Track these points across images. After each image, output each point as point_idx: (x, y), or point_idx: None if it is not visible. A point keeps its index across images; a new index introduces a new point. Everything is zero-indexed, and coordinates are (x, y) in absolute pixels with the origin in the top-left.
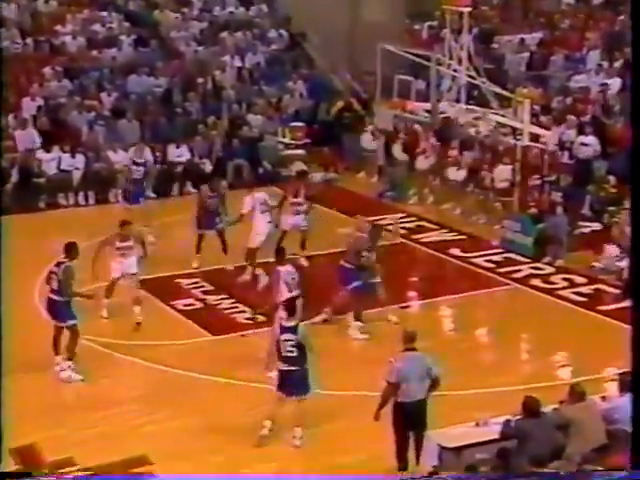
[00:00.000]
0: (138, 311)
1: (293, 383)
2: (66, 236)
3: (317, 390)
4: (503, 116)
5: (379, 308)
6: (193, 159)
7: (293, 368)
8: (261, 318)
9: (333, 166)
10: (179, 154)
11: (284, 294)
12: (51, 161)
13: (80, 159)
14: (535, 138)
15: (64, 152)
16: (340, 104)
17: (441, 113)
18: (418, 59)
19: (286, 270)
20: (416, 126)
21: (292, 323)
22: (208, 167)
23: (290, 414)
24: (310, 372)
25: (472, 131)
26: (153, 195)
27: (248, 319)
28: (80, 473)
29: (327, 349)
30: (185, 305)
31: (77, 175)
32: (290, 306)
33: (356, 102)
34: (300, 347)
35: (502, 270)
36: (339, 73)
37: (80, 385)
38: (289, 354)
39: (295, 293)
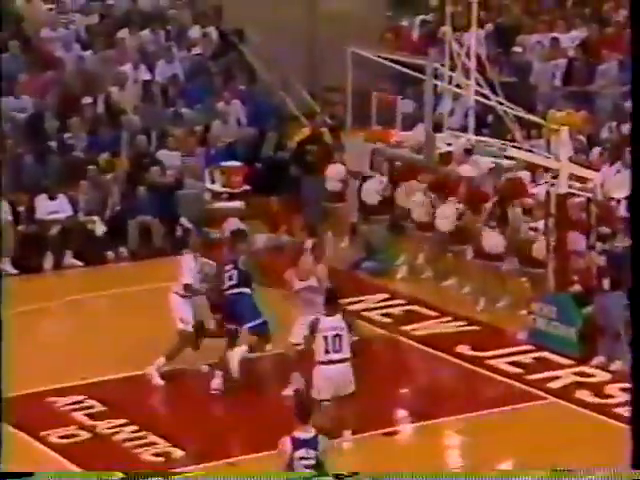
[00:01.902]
0: None
1: None
2: None
3: None
4: (530, 151)
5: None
6: (76, 216)
7: None
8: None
9: (285, 224)
10: (54, 209)
11: (319, 354)
12: None
13: None
14: (578, 182)
15: None
16: (305, 132)
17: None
18: (406, 69)
19: (331, 322)
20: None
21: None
22: (100, 228)
23: None
24: None
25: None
26: (12, 271)
27: (158, 455)
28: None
29: None
30: (62, 437)
31: None
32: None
33: (327, 131)
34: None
35: (532, 377)
36: (292, 89)
37: None
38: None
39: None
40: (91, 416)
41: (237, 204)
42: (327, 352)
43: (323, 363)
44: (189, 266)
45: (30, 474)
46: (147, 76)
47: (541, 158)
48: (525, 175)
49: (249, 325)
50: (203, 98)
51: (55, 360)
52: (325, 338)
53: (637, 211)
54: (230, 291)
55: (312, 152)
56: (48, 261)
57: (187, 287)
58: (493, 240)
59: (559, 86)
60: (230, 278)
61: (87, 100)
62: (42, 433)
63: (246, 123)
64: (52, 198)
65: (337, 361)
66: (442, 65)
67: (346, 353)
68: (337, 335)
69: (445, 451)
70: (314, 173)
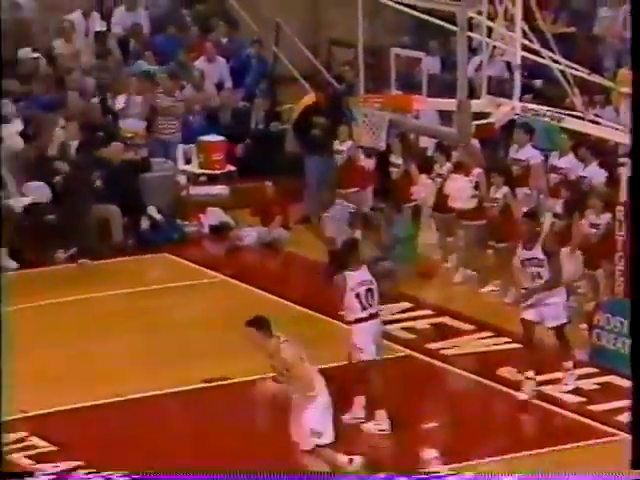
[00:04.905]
0: None
1: None
2: None
3: None
4: (594, 122)
5: None
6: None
7: None
8: None
9: (280, 215)
10: None
11: (355, 313)
12: None
13: None
14: None
15: None
16: (308, 100)
17: (477, 116)
18: (432, 18)
19: (359, 276)
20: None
21: None
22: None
23: None
24: None
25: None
26: None
27: None
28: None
29: None
30: None
31: None
32: None
33: (331, 98)
34: None
35: (597, 408)
36: (288, 44)
37: None
38: None
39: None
40: (35, 457)
41: (219, 189)
42: (364, 308)
43: (362, 320)
44: None
45: (30, 474)
46: (100, 26)
47: (609, 131)
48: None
49: None
50: (173, 54)
51: None
52: (358, 295)
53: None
54: None
55: (319, 124)
56: None
57: None
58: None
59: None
60: None
61: (26, 54)
62: None
63: (230, 87)
64: None
65: (374, 315)
66: (479, 14)
67: (377, 307)
68: (369, 289)
69: None
70: (320, 150)
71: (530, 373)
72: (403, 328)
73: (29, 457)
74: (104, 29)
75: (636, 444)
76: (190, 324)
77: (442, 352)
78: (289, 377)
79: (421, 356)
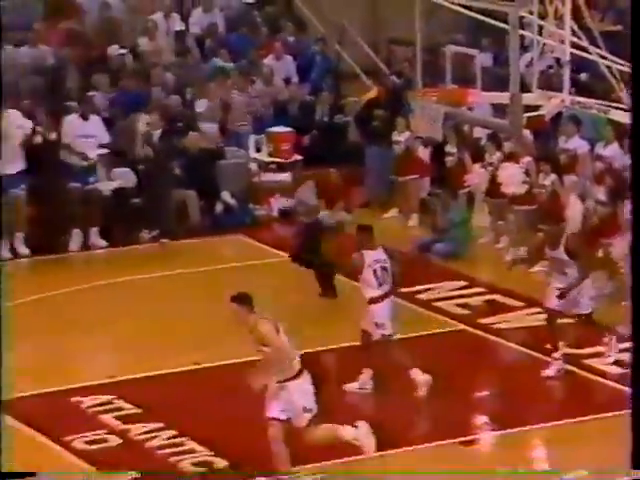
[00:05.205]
0: None
1: None
2: None
3: None
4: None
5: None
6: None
7: None
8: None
9: (343, 200)
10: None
11: (372, 288)
12: None
13: None
14: None
15: None
16: (371, 94)
17: (529, 109)
18: (485, 18)
19: (375, 255)
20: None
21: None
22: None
23: None
24: None
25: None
26: (25, 251)
27: (198, 464)
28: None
29: None
30: (88, 442)
31: None
32: None
33: (390, 91)
34: None
35: None
36: (350, 42)
37: None
38: None
39: (386, 288)
40: (122, 419)
41: (286, 176)
42: (380, 285)
43: (379, 299)
44: None
45: (32, 474)
46: (180, 26)
47: None
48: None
49: None
50: (247, 51)
51: (79, 355)
52: (375, 272)
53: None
54: None
55: (379, 117)
56: (75, 241)
57: None
58: None
59: None
60: None
61: (115, 50)
62: (66, 437)
63: (296, 82)
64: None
65: (389, 293)
66: (530, 13)
67: (391, 285)
68: (383, 267)
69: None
70: (379, 141)
71: (557, 354)
72: (458, 304)
73: (116, 418)
74: (183, 29)
75: (636, 444)
76: (261, 298)
77: (494, 326)
78: (266, 353)
79: (474, 330)
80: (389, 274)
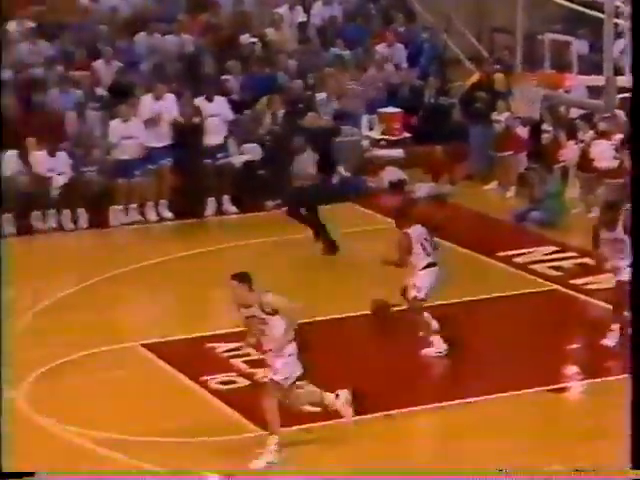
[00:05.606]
0: None
1: None
2: (44, 278)
3: None
4: None
5: None
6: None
7: None
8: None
9: (448, 173)
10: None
11: (420, 257)
12: (17, 163)
13: (63, 160)
14: None
15: (39, 150)
16: (475, 78)
17: (622, 91)
18: (582, 8)
19: (417, 230)
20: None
21: None
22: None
23: None
24: None
25: None
26: (169, 215)
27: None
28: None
29: None
30: (221, 383)
31: (59, 184)
32: None
33: (495, 76)
34: None
35: None
36: (456, 31)
37: None
38: None
39: (432, 259)
40: (249, 363)
41: (397, 152)
42: (428, 255)
43: (426, 267)
44: None
45: (31, 474)
46: (302, 18)
47: None
48: None
49: None
50: (362, 40)
51: (215, 306)
52: (422, 244)
53: (637, 210)
54: None
55: (481, 98)
56: (210, 208)
57: None
58: None
59: None
60: None
61: (246, 39)
62: (202, 378)
63: (406, 68)
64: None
65: (433, 263)
66: (624, 2)
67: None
68: (426, 239)
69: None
70: (482, 120)
71: (615, 326)
72: (551, 267)
73: (244, 362)
74: (305, 20)
75: (636, 444)
76: (370, 261)
77: (584, 287)
78: (264, 329)
79: (566, 290)
80: (432, 245)
